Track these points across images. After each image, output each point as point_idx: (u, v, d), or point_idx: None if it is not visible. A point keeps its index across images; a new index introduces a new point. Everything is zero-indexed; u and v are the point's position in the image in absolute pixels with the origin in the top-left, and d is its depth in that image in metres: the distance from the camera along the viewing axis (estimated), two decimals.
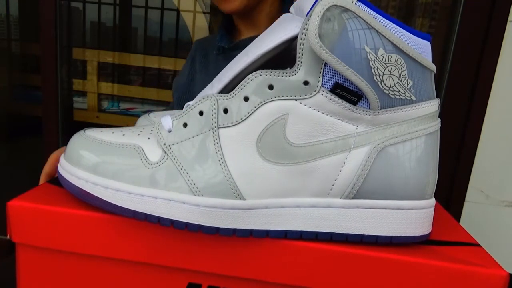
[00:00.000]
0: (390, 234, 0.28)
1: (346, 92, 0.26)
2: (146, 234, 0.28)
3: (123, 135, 0.30)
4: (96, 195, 0.27)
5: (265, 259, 0.28)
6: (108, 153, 0.28)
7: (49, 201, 0.29)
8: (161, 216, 0.27)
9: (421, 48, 0.27)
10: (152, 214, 0.27)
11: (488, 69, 0.91)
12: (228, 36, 0.71)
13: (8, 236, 0.29)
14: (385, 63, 0.26)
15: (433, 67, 0.28)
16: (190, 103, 0.29)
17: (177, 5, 1.56)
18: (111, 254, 0.29)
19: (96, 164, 0.28)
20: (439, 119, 0.29)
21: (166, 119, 0.29)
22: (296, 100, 0.26)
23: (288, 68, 0.27)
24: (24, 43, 1.76)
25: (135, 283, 0.30)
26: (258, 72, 0.27)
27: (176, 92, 0.74)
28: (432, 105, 0.28)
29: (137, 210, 0.27)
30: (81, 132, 0.31)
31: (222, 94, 0.28)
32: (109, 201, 0.27)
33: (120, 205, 0.27)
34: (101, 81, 1.53)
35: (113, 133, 0.30)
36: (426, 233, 0.29)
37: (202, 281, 0.29)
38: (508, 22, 0.92)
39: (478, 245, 0.31)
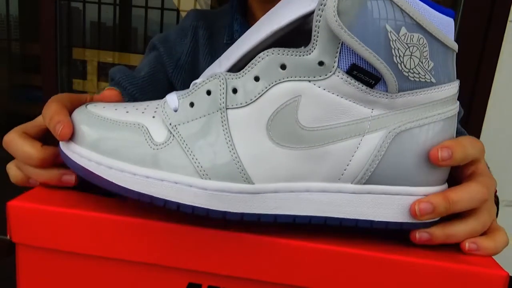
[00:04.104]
0: (401, 221, 0.27)
1: (363, 74, 0.25)
2: (146, 234, 0.28)
3: (127, 112, 0.29)
4: (100, 175, 0.27)
5: (265, 259, 0.28)
6: (111, 131, 0.28)
7: (49, 201, 0.29)
8: (168, 199, 0.26)
9: (445, 26, 0.26)
10: (158, 196, 0.26)
11: (488, 69, 0.91)
12: (244, 22, 0.59)
13: (8, 236, 0.29)
14: (406, 44, 0.24)
15: (455, 46, 0.27)
16: (197, 81, 0.28)
17: (177, 5, 1.56)
18: (111, 254, 0.29)
19: (99, 141, 0.27)
20: (458, 102, 0.28)
21: (172, 97, 0.28)
22: (309, 81, 0.25)
23: (302, 47, 0.26)
24: (24, 43, 1.76)
25: (135, 283, 0.30)
26: (270, 50, 0.26)
27: (157, 61, 0.59)
28: (452, 88, 0.27)
29: (142, 192, 0.26)
30: (82, 108, 0.30)
31: (231, 73, 0.27)
32: (114, 182, 0.26)
33: (125, 187, 0.26)
34: (101, 81, 1.53)
35: (116, 109, 0.29)
36: (437, 218, 0.28)
37: (202, 281, 0.29)
38: (508, 22, 0.92)
39: None
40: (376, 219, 0.27)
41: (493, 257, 0.29)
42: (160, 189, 0.26)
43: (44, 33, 1.30)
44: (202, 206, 0.26)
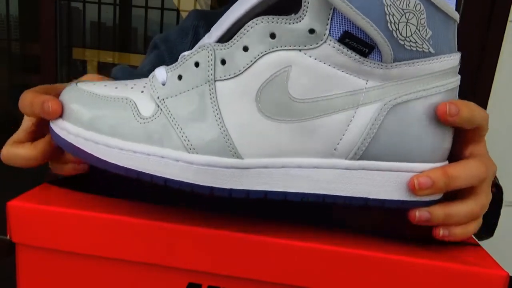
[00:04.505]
0: (398, 198, 0.26)
1: (356, 42, 0.24)
2: (146, 234, 0.28)
3: (116, 88, 0.28)
4: (88, 151, 0.26)
5: (265, 259, 0.28)
6: (99, 107, 0.27)
7: (49, 201, 0.29)
8: (154, 174, 0.25)
9: None
10: (144, 171, 0.25)
11: (488, 69, 0.91)
12: None
13: (8, 236, 0.29)
14: (402, 9, 0.23)
15: (456, 16, 0.26)
16: (186, 53, 0.27)
17: (177, 5, 1.56)
18: (111, 254, 0.29)
19: (87, 117, 0.27)
20: (459, 76, 0.27)
21: (160, 71, 0.28)
22: (300, 50, 0.24)
23: (293, 14, 0.24)
24: (24, 43, 1.77)
25: (135, 283, 0.30)
26: (259, 18, 0.25)
27: (155, 55, 0.61)
28: (452, 59, 0.26)
29: (129, 167, 0.26)
30: (73, 85, 0.29)
31: (219, 44, 0.26)
32: (101, 157, 0.26)
33: (112, 162, 0.26)
34: None
35: (105, 86, 0.29)
36: (437, 197, 0.27)
37: (202, 281, 0.29)
38: (508, 22, 0.92)
39: (478, 245, 0.31)
40: (372, 197, 0.26)
41: (493, 257, 0.29)
42: (147, 164, 0.25)
43: (44, 33, 1.30)
44: (189, 181, 0.25)
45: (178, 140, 0.26)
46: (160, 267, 0.29)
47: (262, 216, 0.30)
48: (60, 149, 0.30)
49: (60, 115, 0.28)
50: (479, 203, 0.28)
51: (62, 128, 0.27)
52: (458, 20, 0.26)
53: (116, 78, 0.58)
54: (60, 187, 0.32)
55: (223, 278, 0.29)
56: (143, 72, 0.57)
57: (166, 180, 0.25)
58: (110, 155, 0.26)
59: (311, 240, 0.28)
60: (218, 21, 0.28)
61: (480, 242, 0.31)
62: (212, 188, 0.25)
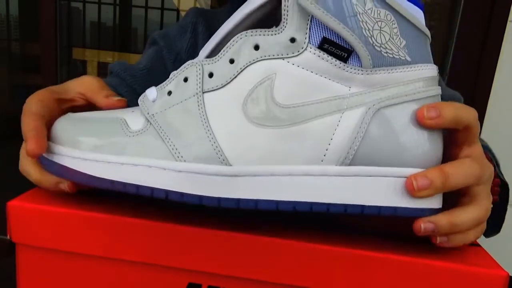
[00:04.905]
0: (394, 205, 0.26)
1: (335, 48, 0.25)
2: (146, 234, 0.28)
3: (107, 112, 0.29)
4: (75, 168, 0.26)
5: (265, 259, 0.28)
6: (89, 127, 0.27)
7: (49, 201, 0.29)
8: (140, 184, 0.25)
9: (414, 11, 0.26)
10: (130, 182, 0.25)
11: (488, 69, 0.91)
12: None
13: (8, 236, 0.29)
14: (374, 18, 0.25)
15: (427, 32, 0.26)
16: (175, 72, 0.28)
17: (177, 5, 1.56)
18: (111, 254, 0.29)
19: (76, 137, 0.27)
20: (440, 87, 0.27)
21: (151, 90, 0.28)
22: (283, 59, 0.25)
23: (274, 27, 0.26)
24: (24, 43, 1.77)
25: (135, 283, 0.30)
26: (243, 33, 0.26)
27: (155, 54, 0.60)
28: (430, 69, 0.27)
29: (115, 179, 0.25)
30: (65, 115, 0.30)
31: (207, 59, 0.27)
32: (87, 172, 0.26)
33: (97, 176, 0.26)
34: None
35: (98, 112, 0.30)
36: (435, 206, 0.27)
37: (202, 281, 0.29)
38: (508, 22, 0.92)
39: (478, 245, 0.31)
40: (367, 204, 0.25)
41: (493, 257, 0.29)
42: (133, 174, 0.25)
43: (44, 33, 1.30)
44: (177, 190, 0.25)
45: (166, 149, 0.26)
46: (160, 267, 0.29)
47: (262, 216, 0.30)
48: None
49: (50, 139, 0.28)
50: (483, 207, 0.28)
51: (51, 152, 0.28)
52: (429, 37, 0.27)
53: (112, 72, 0.58)
54: None
55: (223, 278, 0.29)
56: (139, 68, 0.57)
57: (153, 190, 0.25)
58: (96, 169, 0.26)
59: (311, 240, 0.28)
60: (208, 42, 0.29)
61: (480, 242, 0.31)
62: (201, 198, 0.25)
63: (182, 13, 1.53)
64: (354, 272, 0.27)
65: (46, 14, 1.28)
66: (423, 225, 0.26)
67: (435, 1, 1.21)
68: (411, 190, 0.26)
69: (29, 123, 0.28)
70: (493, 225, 0.45)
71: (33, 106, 0.30)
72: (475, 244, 0.30)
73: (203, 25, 0.61)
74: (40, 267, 0.30)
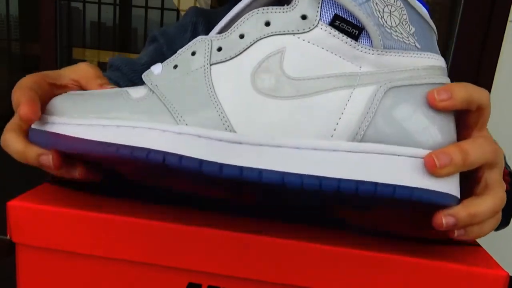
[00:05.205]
0: (411, 185, 0.24)
1: (346, 24, 0.25)
2: (146, 234, 0.28)
3: (110, 89, 0.29)
4: (66, 133, 0.25)
5: (265, 259, 0.28)
6: (89, 98, 0.27)
7: (49, 201, 0.29)
8: (135, 145, 0.23)
9: (421, 7, 0.26)
10: (125, 144, 0.24)
11: (488, 69, 0.92)
12: None
13: (8, 236, 0.29)
14: (384, 1, 0.25)
15: (434, 28, 0.26)
16: (182, 48, 0.28)
17: (177, 5, 1.56)
18: (111, 254, 0.29)
19: (74, 107, 0.26)
20: (449, 78, 0.27)
21: (156, 65, 0.28)
22: (294, 35, 0.25)
23: (285, 5, 0.26)
24: (24, 43, 1.77)
25: (135, 283, 0.30)
26: (255, 10, 0.26)
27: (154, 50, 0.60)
28: (438, 60, 0.27)
29: (108, 141, 0.24)
30: (61, 94, 0.29)
31: (217, 35, 0.27)
32: (78, 136, 0.24)
33: (89, 138, 0.24)
34: None
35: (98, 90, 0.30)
36: (452, 193, 0.25)
37: (202, 281, 0.29)
38: (508, 22, 0.92)
39: (478, 245, 0.31)
40: (381, 181, 0.24)
41: (493, 257, 0.29)
42: (130, 136, 0.24)
43: (44, 33, 1.30)
44: (175, 152, 0.23)
45: (168, 113, 0.25)
46: (160, 267, 0.29)
47: (262, 216, 0.30)
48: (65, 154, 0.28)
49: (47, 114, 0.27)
50: (498, 196, 0.27)
51: (45, 122, 0.27)
52: (435, 31, 0.27)
53: (113, 66, 0.58)
54: (60, 187, 0.32)
55: (223, 278, 0.29)
56: (140, 63, 0.57)
57: (149, 151, 0.23)
58: (89, 132, 0.24)
59: (311, 240, 0.28)
60: (219, 23, 0.29)
61: (480, 242, 0.31)
62: (201, 162, 0.23)
63: (182, 13, 1.53)
64: (354, 272, 0.27)
65: (46, 14, 1.28)
66: (444, 220, 0.25)
67: (435, 1, 1.21)
68: (432, 167, 0.24)
69: (22, 93, 0.27)
70: (503, 217, 0.45)
71: (28, 82, 0.29)
72: (475, 244, 0.31)
73: (203, 25, 0.61)
74: (40, 267, 0.30)
